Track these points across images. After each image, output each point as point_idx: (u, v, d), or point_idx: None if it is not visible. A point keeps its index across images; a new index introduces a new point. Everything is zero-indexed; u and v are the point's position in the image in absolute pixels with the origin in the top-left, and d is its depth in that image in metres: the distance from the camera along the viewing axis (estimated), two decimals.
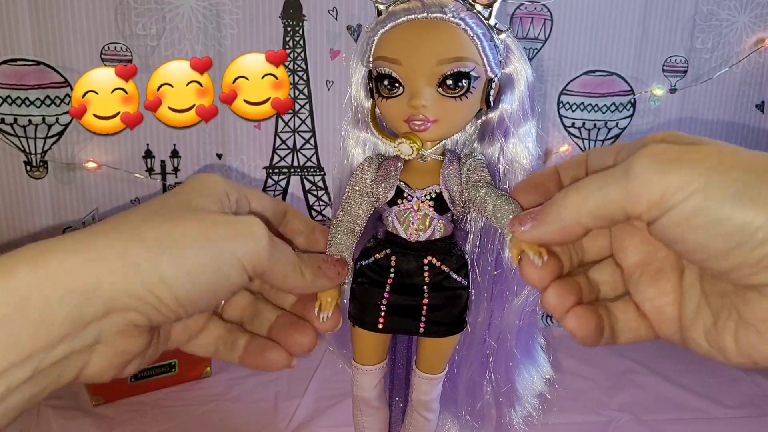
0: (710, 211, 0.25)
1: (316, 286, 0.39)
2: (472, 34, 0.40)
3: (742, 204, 0.25)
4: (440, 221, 0.44)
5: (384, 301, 0.46)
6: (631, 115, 1.74)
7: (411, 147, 0.44)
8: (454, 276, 0.46)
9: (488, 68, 0.42)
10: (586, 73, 1.69)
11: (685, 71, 1.72)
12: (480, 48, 0.41)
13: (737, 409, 1.41)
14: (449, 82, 0.41)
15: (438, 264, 0.44)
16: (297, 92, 1.59)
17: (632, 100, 1.73)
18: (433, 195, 0.45)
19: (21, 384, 0.27)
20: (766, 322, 0.26)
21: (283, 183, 1.64)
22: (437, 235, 0.45)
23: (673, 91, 1.73)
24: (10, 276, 0.26)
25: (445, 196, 0.44)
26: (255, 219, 0.34)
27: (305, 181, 1.64)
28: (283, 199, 1.65)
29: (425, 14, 0.40)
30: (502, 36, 0.42)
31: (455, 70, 0.40)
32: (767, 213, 0.24)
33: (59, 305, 0.27)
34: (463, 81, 0.41)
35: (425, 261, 0.45)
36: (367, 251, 0.48)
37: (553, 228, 0.30)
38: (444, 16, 0.40)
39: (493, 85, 0.42)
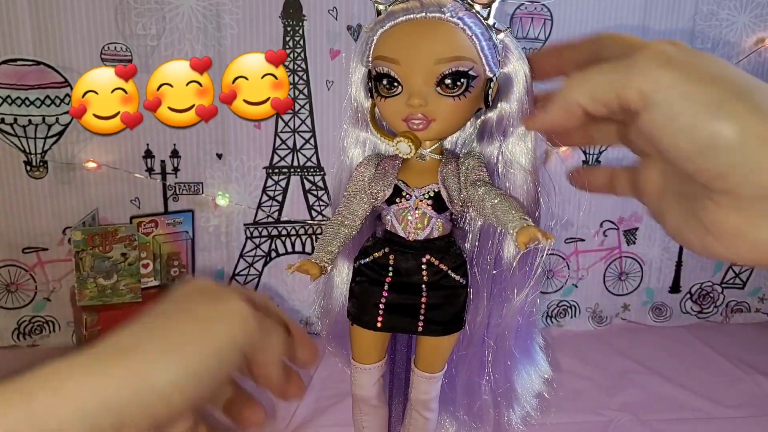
0: (686, 117, 0.28)
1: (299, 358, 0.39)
2: (470, 34, 0.40)
3: (715, 116, 0.27)
4: (439, 220, 0.44)
5: (383, 300, 0.46)
6: None
7: (409, 146, 0.44)
8: (453, 275, 0.45)
9: (487, 67, 0.42)
10: None
11: None
12: (478, 47, 0.41)
13: (737, 409, 1.41)
14: (447, 81, 0.41)
15: (436, 263, 0.44)
16: (297, 92, 1.59)
17: None
18: (432, 194, 0.45)
19: None
20: (719, 230, 0.29)
21: (283, 183, 1.64)
22: (435, 234, 0.45)
23: None
24: (30, 400, 0.28)
25: (443, 194, 0.44)
26: (237, 301, 0.34)
27: (305, 181, 1.64)
28: (283, 199, 1.65)
29: (424, 14, 0.40)
30: (501, 36, 0.42)
31: (453, 69, 0.40)
32: (735, 127, 0.26)
33: (74, 426, 0.28)
34: (462, 80, 0.41)
35: (424, 260, 0.45)
36: (366, 250, 0.48)
37: (558, 108, 0.33)
38: (442, 15, 0.40)
39: (492, 84, 0.42)
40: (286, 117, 1.60)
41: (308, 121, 1.60)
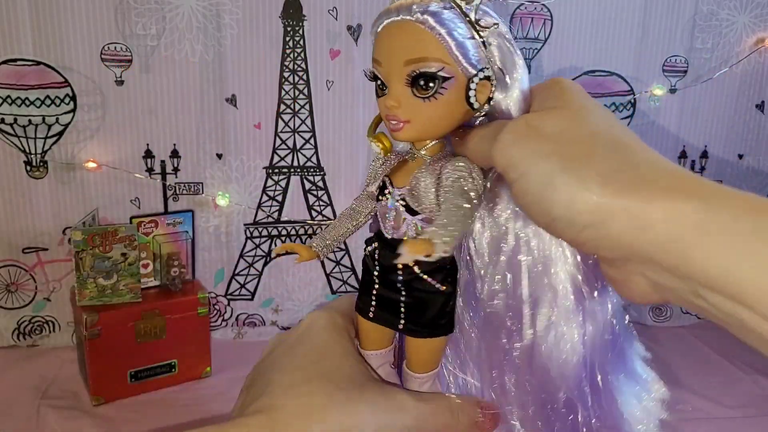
0: (529, 194, 0.30)
1: None
2: (439, 33, 0.40)
3: (548, 191, 0.28)
4: (414, 221, 0.44)
5: (375, 292, 0.47)
6: (631, 115, 1.74)
7: (378, 146, 0.45)
8: (427, 278, 0.45)
9: (463, 68, 0.41)
10: (586, 73, 1.69)
11: (685, 71, 1.72)
12: (450, 47, 0.41)
13: (737, 409, 1.41)
14: (421, 82, 0.41)
15: (411, 264, 0.44)
16: (297, 92, 1.59)
17: (632, 100, 1.73)
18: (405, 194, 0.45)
19: None
20: (612, 280, 0.31)
21: (283, 183, 1.64)
22: (412, 234, 0.44)
23: (673, 91, 1.73)
24: None
25: (408, 197, 0.44)
26: (402, 392, 0.40)
27: (305, 181, 1.64)
28: (283, 199, 1.65)
29: (398, 15, 0.41)
30: (486, 33, 0.41)
31: (419, 70, 0.41)
32: (563, 202, 0.28)
33: None
34: (434, 82, 0.41)
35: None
36: (367, 241, 0.48)
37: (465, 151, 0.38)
38: (411, 17, 0.40)
39: (474, 85, 0.42)
40: (286, 117, 1.60)
41: (308, 121, 1.60)
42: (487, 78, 0.41)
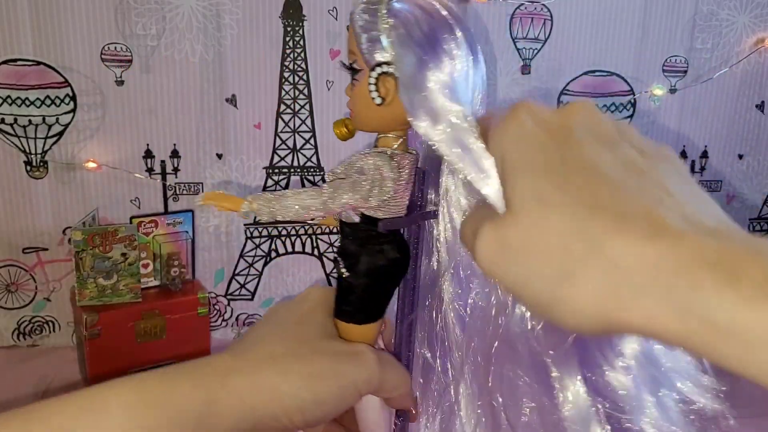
0: (486, 272, 0.29)
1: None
2: (353, 27, 0.41)
3: (497, 273, 0.28)
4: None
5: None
6: (631, 115, 1.74)
7: (335, 131, 0.47)
8: (341, 262, 0.46)
9: (365, 60, 0.42)
10: (586, 73, 1.69)
11: (685, 71, 1.72)
12: (357, 40, 0.42)
13: (737, 409, 1.41)
14: (350, 74, 0.44)
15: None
16: (297, 92, 1.59)
17: (632, 100, 1.73)
18: None
19: None
20: None
21: (283, 183, 1.64)
22: (348, 215, 0.46)
23: (673, 91, 1.73)
24: (207, 393, 0.35)
25: None
26: (366, 348, 0.41)
27: (305, 181, 1.64)
28: None
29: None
30: (384, 27, 0.41)
31: (344, 62, 0.43)
32: (569, 314, 0.25)
33: (228, 418, 0.35)
34: (353, 74, 0.43)
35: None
36: None
37: None
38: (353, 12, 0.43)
39: (372, 78, 0.42)
40: (286, 117, 1.60)
41: (308, 121, 1.60)
42: (386, 74, 0.40)
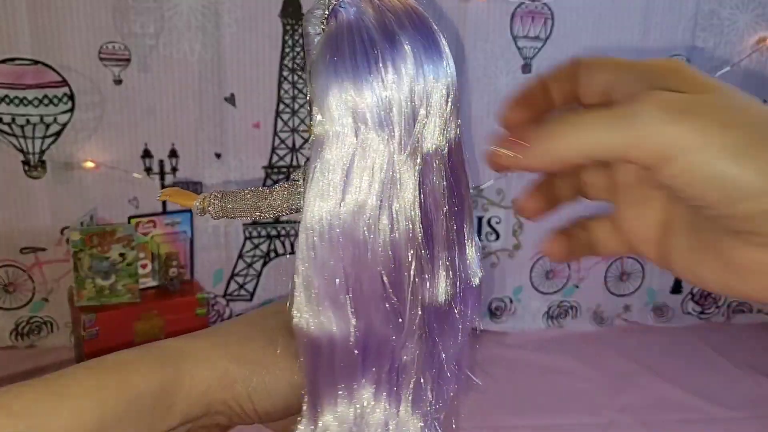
0: (704, 168, 0.26)
1: None
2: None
3: (734, 162, 0.26)
4: None
5: None
6: None
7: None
8: None
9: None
10: None
11: None
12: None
13: (738, 410, 1.40)
14: None
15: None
16: (296, 91, 1.58)
17: None
18: None
19: None
20: (746, 267, 0.28)
21: None
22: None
23: None
24: (165, 374, 0.35)
25: None
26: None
27: None
28: None
29: None
30: (306, 22, 0.39)
31: None
32: (756, 173, 0.25)
33: (182, 400, 0.35)
34: None
35: None
36: None
37: (541, 160, 0.29)
38: None
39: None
40: (285, 116, 1.60)
41: (307, 120, 1.60)
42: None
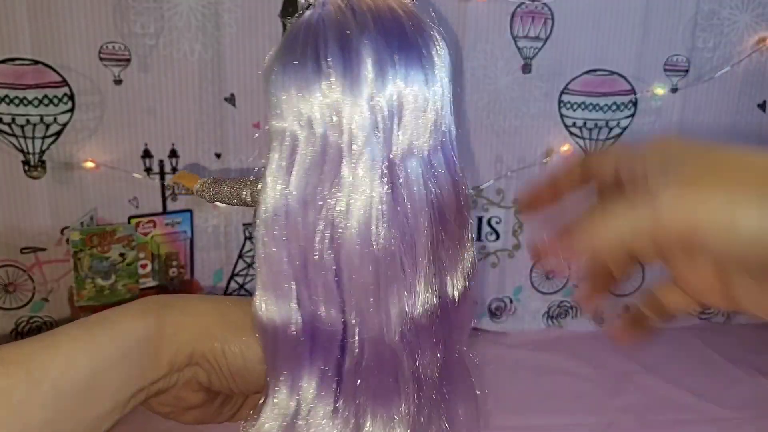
0: (742, 225, 0.27)
1: None
2: None
3: (759, 209, 0.26)
4: None
5: None
6: (633, 115, 1.73)
7: None
8: None
9: None
10: (587, 72, 1.68)
11: (687, 70, 1.71)
12: None
13: (738, 410, 1.40)
14: None
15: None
16: None
17: (633, 100, 1.72)
18: None
19: (129, 403, 0.37)
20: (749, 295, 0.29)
21: None
22: None
23: (674, 90, 1.72)
24: (150, 322, 0.37)
25: None
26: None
27: None
28: None
29: None
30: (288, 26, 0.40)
31: None
32: None
33: (167, 348, 0.37)
34: None
35: None
36: None
37: (583, 257, 0.33)
38: None
39: None
40: None
41: None
42: None
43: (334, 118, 0.34)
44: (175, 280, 1.51)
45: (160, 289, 1.52)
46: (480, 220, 1.76)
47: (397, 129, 0.34)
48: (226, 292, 1.68)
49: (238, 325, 0.39)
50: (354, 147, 0.34)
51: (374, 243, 0.34)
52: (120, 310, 0.38)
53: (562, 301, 1.82)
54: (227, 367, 0.39)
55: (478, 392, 0.41)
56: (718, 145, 0.30)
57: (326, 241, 0.34)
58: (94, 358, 0.35)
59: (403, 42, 0.34)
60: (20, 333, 1.59)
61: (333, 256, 0.34)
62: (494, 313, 1.81)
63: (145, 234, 1.52)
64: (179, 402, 0.41)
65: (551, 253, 0.32)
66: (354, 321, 0.35)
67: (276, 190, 0.35)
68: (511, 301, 1.81)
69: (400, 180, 0.35)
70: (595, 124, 1.73)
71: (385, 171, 0.34)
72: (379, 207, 0.34)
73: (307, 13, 0.35)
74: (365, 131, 0.34)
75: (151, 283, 1.53)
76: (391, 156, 0.34)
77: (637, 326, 0.36)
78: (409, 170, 0.35)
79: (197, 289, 1.55)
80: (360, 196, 0.34)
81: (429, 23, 0.36)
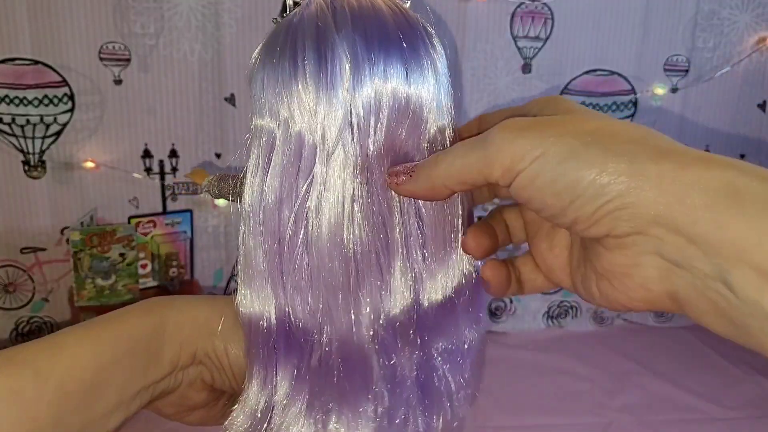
0: (546, 173, 0.28)
1: None
2: None
3: (571, 165, 0.27)
4: None
5: None
6: (633, 115, 1.73)
7: None
8: None
9: None
10: (587, 72, 1.68)
11: (687, 70, 1.71)
12: None
13: (738, 410, 1.40)
14: None
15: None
16: None
17: (633, 100, 1.72)
18: None
19: (134, 400, 0.37)
20: (612, 272, 0.29)
21: None
22: None
23: (674, 90, 1.72)
24: (152, 321, 0.38)
25: None
26: None
27: None
28: None
29: None
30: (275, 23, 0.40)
31: None
32: (593, 171, 0.27)
33: (169, 346, 0.38)
34: None
35: None
36: None
37: (423, 186, 0.33)
38: None
39: None
40: None
41: None
42: None
43: (310, 118, 0.34)
44: (175, 280, 1.51)
45: (160, 289, 1.52)
46: (479, 220, 1.76)
47: (374, 127, 0.34)
48: (225, 292, 1.68)
49: (239, 324, 0.39)
50: (328, 146, 0.34)
51: (345, 242, 0.34)
52: (123, 311, 0.39)
53: (562, 301, 1.82)
54: (229, 366, 0.39)
55: (461, 397, 0.40)
56: (592, 112, 0.31)
57: (299, 238, 0.34)
58: (99, 357, 0.35)
59: (383, 39, 0.34)
60: (20, 333, 1.59)
61: (305, 253, 0.34)
62: (494, 313, 1.81)
63: (145, 234, 1.52)
64: (184, 401, 0.41)
65: (399, 173, 0.34)
66: (322, 319, 0.35)
67: (254, 187, 0.36)
68: (511, 301, 1.81)
69: (377, 178, 0.34)
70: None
71: (362, 169, 0.34)
72: (351, 206, 0.34)
73: (291, 13, 0.35)
74: (339, 130, 0.33)
75: (151, 283, 1.53)
76: (368, 154, 0.34)
77: (505, 274, 0.38)
78: (386, 168, 0.34)
79: (197, 289, 1.55)
80: (332, 194, 0.34)
81: (418, 20, 0.36)
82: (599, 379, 1.53)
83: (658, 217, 0.26)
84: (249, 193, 0.36)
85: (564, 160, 0.28)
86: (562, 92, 1.69)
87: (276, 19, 0.38)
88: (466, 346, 0.39)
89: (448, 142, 0.36)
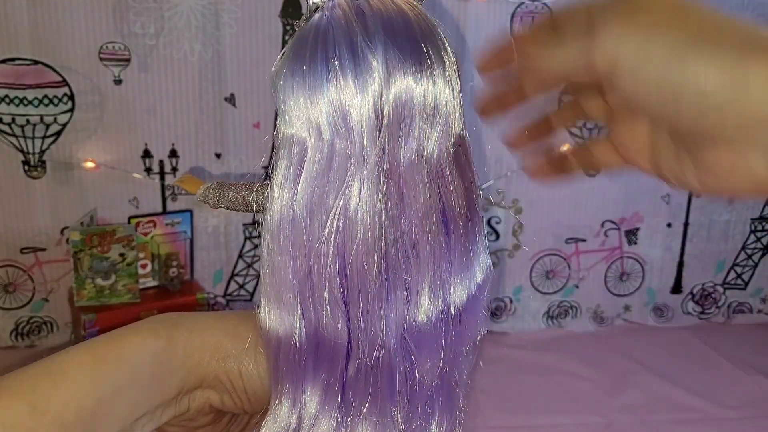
0: (651, 69, 0.27)
1: None
2: None
3: (678, 62, 0.27)
4: None
5: None
6: None
7: None
8: None
9: None
10: None
11: None
12: None
13: (738, 410, 1.40)
14: None
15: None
16: None
17: None
18: None
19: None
20: (714, 167, 0.29)
21: None
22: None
23: None
24: (159, 345, 0.36)
25: None
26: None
27: None
28: None
29: None
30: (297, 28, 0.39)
31: None
32: (700, 69, 0.26)
33: (178, 370, 0.36)
34: None
35: None
36: None
37: (533, 85, 0.34)
38: None
39: None
40: None
41: None
42: None
43: (342, 124, 0.33)
44: (175, 280, 1.51)
45: (160, 289, 1.52)
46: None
47: (405, 134, 0.34)
48: (225, 292, 1.68)
49: (251, 343, 0.38)
50: (360, 153, 0.33)
51: (379, 250, 0.33)
52: (128, 330, 0.37)
53: (562, 301, 1.82)
54: (243, 388, 0.38)
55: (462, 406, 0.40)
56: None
57: (331, 250, 0.33)
58: (100, 386, 0.34)
59: (413, 45, 0.34)
60: (20, 333, 1.59)
61: (338, 265, 0.34)
62: (494, 313, 1.81)
63: (145, 234, 1.52)
64: (189, 423, 0.40)
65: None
66: (359, 331, 0.34)
67: (282, 199, 0.35)
68: (511, 301, 1.81)
69: (407, 185, 0.34)
70: (596, 124, 1.72)
71: (392, 176, 0.34)
72: (384, 213, 0.33)
73: (316, 16, 0.34)
74: (372, 137, 0.33)
75: (151, 283, 1.53)
76: (398, 161, 0.34)
77: (557, 168, 0.39)
78: (416, 175, 0.34)
79: (197, 289, 1.55)
80: (365, 202, 0.33)
81: (436, 25, 0.36)
82: (599, 379, 1.53)
83: (765, 115, 0.26)
84: (277, 204, 0.35)
85: (672, 54, 0.27)
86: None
87: (298, 23, 0.36)
88: (470, 345, 0.40)
89: (468, 147, 0.37)
